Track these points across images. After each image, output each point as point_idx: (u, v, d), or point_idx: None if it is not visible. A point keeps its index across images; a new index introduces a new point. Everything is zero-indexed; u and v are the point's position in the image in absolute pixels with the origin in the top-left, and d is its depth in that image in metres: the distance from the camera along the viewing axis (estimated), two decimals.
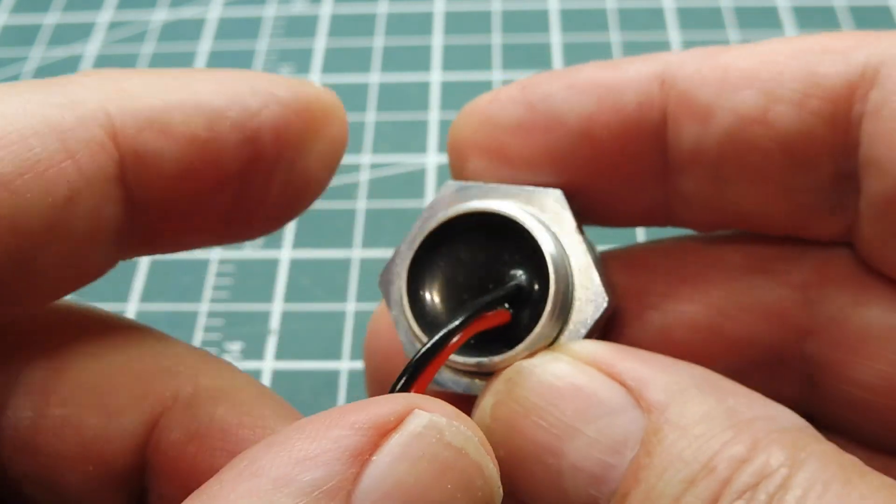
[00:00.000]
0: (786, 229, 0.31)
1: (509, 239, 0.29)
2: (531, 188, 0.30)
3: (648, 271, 0.32)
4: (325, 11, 0.71)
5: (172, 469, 0.27)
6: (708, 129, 0.29)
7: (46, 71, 0.67)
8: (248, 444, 0.23)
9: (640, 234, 0.52)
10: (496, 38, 0.68)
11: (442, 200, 0.31)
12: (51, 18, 0.72)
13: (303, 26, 0.70)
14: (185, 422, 0.27)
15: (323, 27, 0.70)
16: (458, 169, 0.32)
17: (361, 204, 0.58)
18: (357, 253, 0.56)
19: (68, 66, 0.68)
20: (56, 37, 0.70)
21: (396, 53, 0.68)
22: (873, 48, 0.28)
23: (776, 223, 0.31)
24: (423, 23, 0.70)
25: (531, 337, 0.28)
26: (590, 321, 0.29)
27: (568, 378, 0.26)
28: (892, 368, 0.30)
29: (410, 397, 0.23)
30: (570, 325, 0.29)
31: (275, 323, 0.52)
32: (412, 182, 0.59)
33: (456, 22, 0.70)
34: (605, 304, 0.29)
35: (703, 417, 0.24)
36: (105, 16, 0.72)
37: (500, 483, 0.23)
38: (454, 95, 0.64)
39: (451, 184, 0.31)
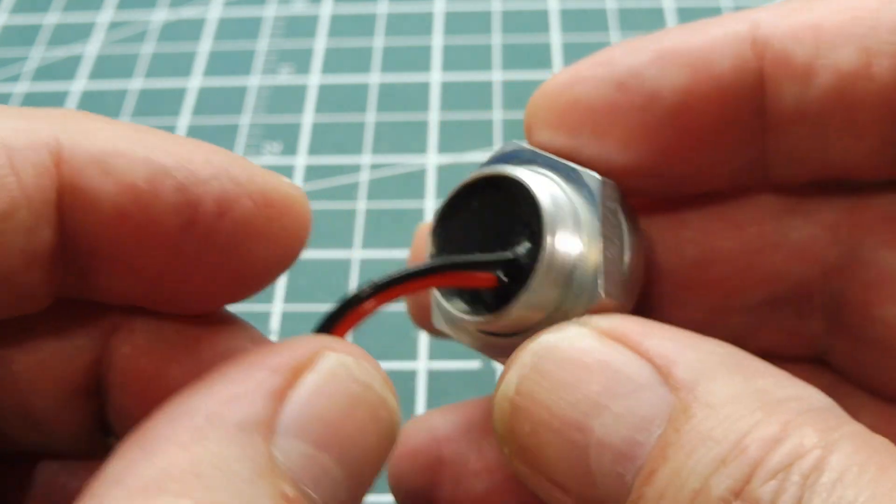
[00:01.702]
0: (884, 175, 0.31)
1: (525, 208, 0.28)
2: (579, 168, 0.29)
3: (687, 207, 0.33)
4: (325, 11, 0.71)
5: (127, 381, 0.29)
6: (810, 89, 0.29)
7: (46, 71, 0.68)
8: (194, 354, 0.27)
9: None
10: (496, 38, 0.68)
11: (495, 157, 0.30)
12: (51, 18, 0.72)
13: (303, 26, 0.70)
14: (133, 336, 0.29)
15: (323, 27, 0.70)
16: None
17: (361, 204, 0.58)
18: (357, 253, 0.56)
19: (68, 66, 0.68)
20: (56, 37, 0.70)
21: (396, 53, 0.68)
22: None
23: (876, 172, 0.30)
24: (423, 23, 0.70)
25: (524, 296, 0.27)
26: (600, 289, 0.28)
27: (595, 354, 0.25)
28: None
29: (321, 339, 0.26)
30: (582, 293, 0.28)
31: (275, 324, 0.52)
32: (412, 182, 0.59)
33: (456, 22, 0.70)
34: (601, 294, 0.28)
35: (732, 397, 0.23)
36: (105, 16, 0.72)
37: (400, 415, 0.25)
38: (454, 96, 0.64)
39: (512, 143, 0.30)
